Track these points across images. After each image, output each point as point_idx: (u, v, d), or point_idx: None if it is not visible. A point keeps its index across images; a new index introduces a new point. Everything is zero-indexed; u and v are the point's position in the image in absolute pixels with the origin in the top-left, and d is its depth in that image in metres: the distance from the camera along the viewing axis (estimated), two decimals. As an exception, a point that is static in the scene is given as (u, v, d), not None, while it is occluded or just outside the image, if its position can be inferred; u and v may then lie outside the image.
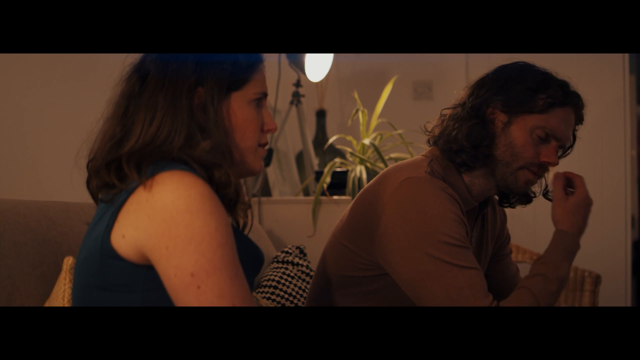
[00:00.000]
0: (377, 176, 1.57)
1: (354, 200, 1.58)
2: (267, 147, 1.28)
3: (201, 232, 1.05)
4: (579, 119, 1.56)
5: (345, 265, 1.55)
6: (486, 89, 1.53)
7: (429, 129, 1.61)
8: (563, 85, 1.51)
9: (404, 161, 1.59)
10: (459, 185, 1.54)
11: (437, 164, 1.53)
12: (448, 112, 1.58)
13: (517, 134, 1.50)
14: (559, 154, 1.57)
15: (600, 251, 3.52)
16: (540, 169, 1.53)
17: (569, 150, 1.59)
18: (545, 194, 1.63)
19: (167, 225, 1.05)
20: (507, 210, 1.78)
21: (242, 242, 1.15)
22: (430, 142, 1.60)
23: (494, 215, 1.72)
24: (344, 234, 1.56)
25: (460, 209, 1.47)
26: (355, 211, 1.56)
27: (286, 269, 2.24)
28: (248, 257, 1.16)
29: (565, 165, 1.61)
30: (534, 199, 1.65)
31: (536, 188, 1.62)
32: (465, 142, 1.51)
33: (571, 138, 1.56)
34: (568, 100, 1.51)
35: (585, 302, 2.72)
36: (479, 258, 1.64)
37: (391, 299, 1.51)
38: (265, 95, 1.25)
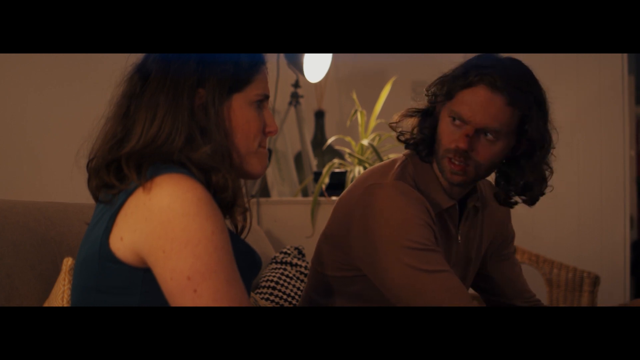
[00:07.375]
0: (354, 181, 1.60)
1: (334, 205, 1.61)
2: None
3: (197, 235, 1.05)
4: (508, 97, 1.43)
5: (329, 265, 1.58)
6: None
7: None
8: (474, 67, 1.47)
9: (378, 164, 1.62)
10: (433, 185, 1.54)
11: (411, 165, 1.55)
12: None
13: (441, 123, 1.52)
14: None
15: (599, 252, 3.52)
16: (455, 154, 1.47)
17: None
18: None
19: (163, 228, 1.05)
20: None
21: (238, 246, 1.15)
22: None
23: (492, 212, 1.70)
24: (325, 235, 1.60)
25: (428, 212, 1.47)
26: (333, 217, 1.60)
27: (285, 269, 2.24)
28: (245, 262, 1.16)
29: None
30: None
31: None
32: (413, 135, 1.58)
33: (492, 118, 1.45)
34: (470, 81, 1.46)
35: (584, 302, 2.71)
36: (468, 255, 1.64)
37: (376, 302, 1.53)
38: (266, 97, 1.25)
